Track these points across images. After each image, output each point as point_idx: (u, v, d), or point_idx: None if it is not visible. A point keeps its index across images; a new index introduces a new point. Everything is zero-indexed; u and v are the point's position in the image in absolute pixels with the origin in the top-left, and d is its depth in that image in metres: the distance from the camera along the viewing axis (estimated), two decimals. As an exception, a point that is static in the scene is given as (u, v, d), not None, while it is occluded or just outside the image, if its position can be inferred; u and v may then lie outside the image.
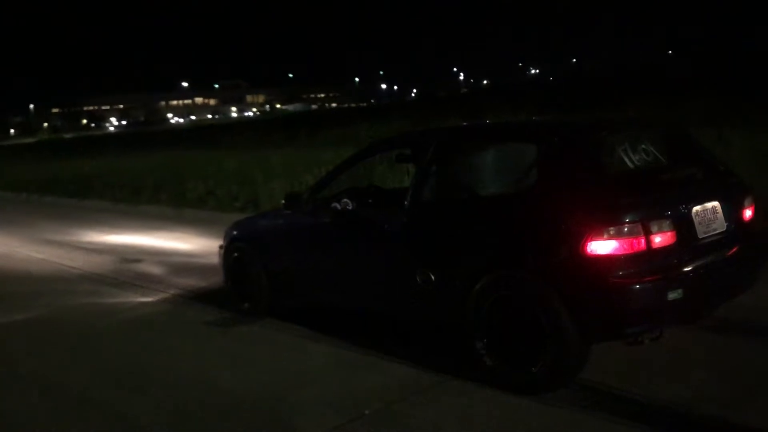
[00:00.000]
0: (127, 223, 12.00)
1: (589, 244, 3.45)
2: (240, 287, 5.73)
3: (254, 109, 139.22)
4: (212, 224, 9.63)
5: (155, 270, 7.81)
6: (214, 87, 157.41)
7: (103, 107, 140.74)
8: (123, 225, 11.70)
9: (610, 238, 3.44)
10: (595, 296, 3.50)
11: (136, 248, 9.40)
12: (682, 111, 15.63)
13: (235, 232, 5.93)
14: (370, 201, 5.20)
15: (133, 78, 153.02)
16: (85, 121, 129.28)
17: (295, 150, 19.30)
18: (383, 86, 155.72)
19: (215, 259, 6.19)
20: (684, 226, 3.65)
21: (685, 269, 3.60)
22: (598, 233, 3.45)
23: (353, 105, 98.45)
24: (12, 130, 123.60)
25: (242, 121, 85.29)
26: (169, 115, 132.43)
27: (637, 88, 25.04)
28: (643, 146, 4.03)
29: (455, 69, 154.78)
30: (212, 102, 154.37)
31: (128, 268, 8.01)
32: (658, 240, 3.52)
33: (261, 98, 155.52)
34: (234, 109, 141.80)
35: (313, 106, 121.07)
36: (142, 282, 7.22)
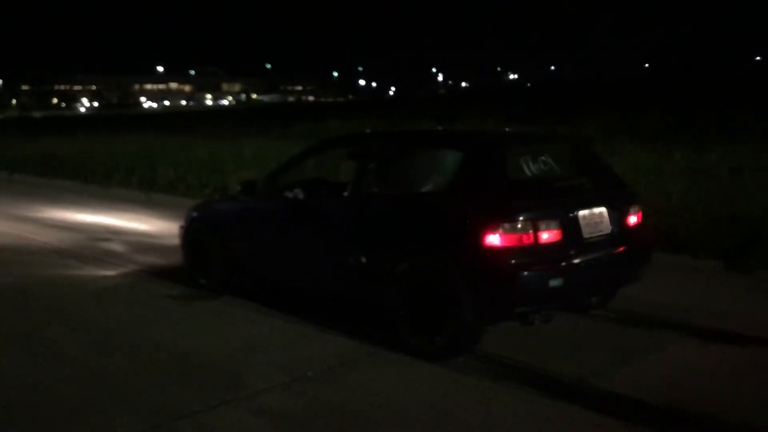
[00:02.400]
0: (96, 204, 12.33)
1: (486, 237, 4.14)
2: (197, 265, 6.25)
3: (229, 98, 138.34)
4: (180, 209, 9.92)
5: (120, 248, 8.26)
6: (190, 73, 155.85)
7: (75, 87, 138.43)
8: (92, 205, 12.07)
9: (504, 233, 4.12)
10: (490, 280, 4.20)
11: (104, 227, 9.85)
12: (625, 124, 16.71)
13: (194, 214, 6.47)
14: (316, 191, 5.80)
15: (106, 59, 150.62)
16: (55, 101, 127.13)
17: (268, 141, 19.68)
18: (362, 82, 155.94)
19: (177, 241, 6.64)
20: (570, 226, 4.37)
21: (568, 262, 4.32)
22: (495, 228, 4.12)
23: (330, 99, 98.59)
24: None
25: (217, 109, 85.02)
26: (143, 99, 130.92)
27: (603, 99, 25.92)
28: (543, 158, 4.83)
29: (434, 69, 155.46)
30: (187, 88, 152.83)
31: (95, 245, 8.42)
32: (545, 237, 4.23)
33: (237, 87, 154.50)
34: (209, 96, 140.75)
35: (290, 98, 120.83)
36: (108, 258, 7.67)
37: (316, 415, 3.61)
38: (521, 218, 4.15)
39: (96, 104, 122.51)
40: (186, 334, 4.94)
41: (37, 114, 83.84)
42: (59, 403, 3.80)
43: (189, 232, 6.39)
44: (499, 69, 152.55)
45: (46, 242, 8.61)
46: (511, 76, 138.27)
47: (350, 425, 3.50)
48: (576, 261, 4.36)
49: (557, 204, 4.44)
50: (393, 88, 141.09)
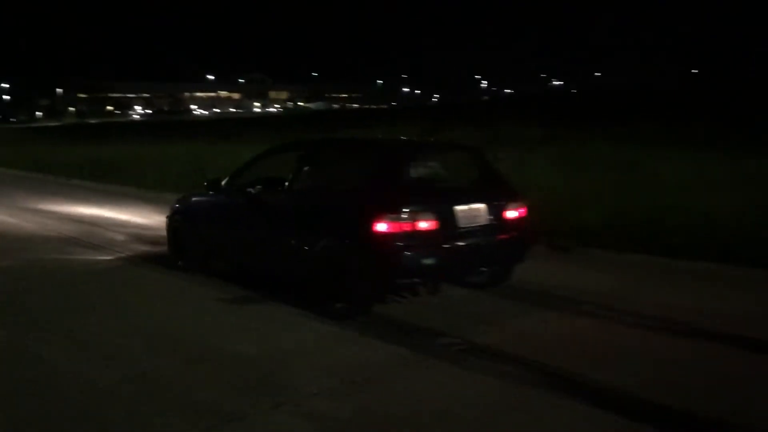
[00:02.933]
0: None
1: (376, 225, 5.22)
2: (176, 249, 7.51)
3: (277, 105, 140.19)
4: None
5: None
6: (239, 81, 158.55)
7: (129, 95, 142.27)
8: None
9: (389, 222, 5.21)
10: (377, 258, 5.27)
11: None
12: (671, 132, 16.51)
13: (176, 206, 7.70)
14: (266, 186, 6.78)
15: (160, 68, 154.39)
16: (110, 108, 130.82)
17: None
18: (406, 90, 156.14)
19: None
20: (446, 218, 5.45)
21: (441, 246, 5.40)
22: (382, 219, 5.21)
23: (374, 107, 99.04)
24: (38, 113, 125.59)
25: (264, 116, 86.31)
26: (193, 107, 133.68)
27: (650, 106, 25.57)
28: (431, 163, 6.07)
29: (478, 77, 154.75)
30: (236, 96, 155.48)
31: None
32: (422, 226, 5.30)
33: (284, 95, 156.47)
34: (257, 104, 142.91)
35: (335, 106, 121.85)
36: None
37: (365, 420, 3.67)
38: (403, 212, 5.24)
39: (149, 111, 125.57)
40: (235, 337, 5.07)
41: (92, 121, 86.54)
42: (115, 403, 3.92)
43: (170, 222, 7.68)
44: (543, 76, 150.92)
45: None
46: (556, 83, 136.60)
47: (400, 430, 3.57)
48: (449, 245, 5.45)
49: (435, 201, 5.53)
50: (436, 96, 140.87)
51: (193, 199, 7.64)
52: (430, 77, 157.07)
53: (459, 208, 5.59)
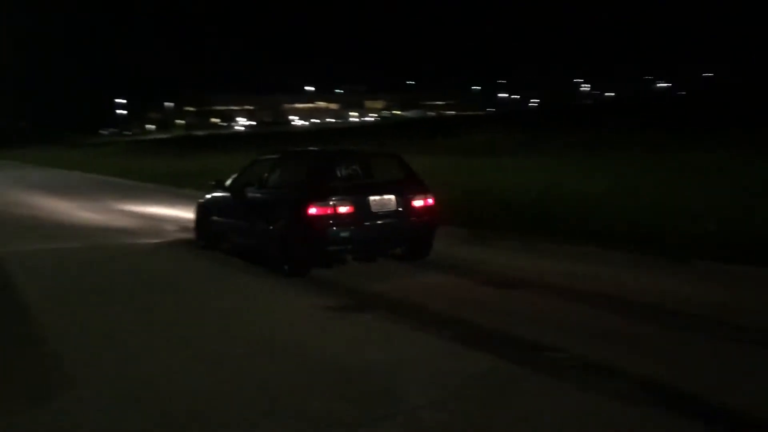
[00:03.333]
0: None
1: (309, 210, 7.30)
2: (199, 233, 9.95)
3: (373, 115, 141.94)
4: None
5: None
6: (337, 92, 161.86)
7: (233, 107, 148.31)
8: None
9: (317, 207, 7.28)
10: (310, 232, 7.32)
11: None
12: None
13: (200, 201, 10.01)
14: (247, 186, 8.77)
15: (262, 81, 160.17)
16: (215, 120, 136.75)
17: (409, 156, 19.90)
18: (503, 95, 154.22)
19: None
20: (360, 205, 7.46)
21: (355, 225, 7.40)
22: (313, 205, 7.29)
23: (470, 113, 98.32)
24: (150, 126, 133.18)
25: (361, 125, 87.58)
26: (293, 118, 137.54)
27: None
28: (354, 166, 8.20)
29: (579, 80, 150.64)
30: (333, 106, 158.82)
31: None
32: (342, 210, 7.35)
33: (380, 104, 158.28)
34: (354, 113, 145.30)
35: (431, 113, 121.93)
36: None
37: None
38: (326, 200, 7.36)
39: (251, 123, 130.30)
40: (342, 346, 5.08)
41: (199, 132, 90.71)
42: (228, 407, 3.99)
43: (196, 213, 10.04)
44: (649, 78, 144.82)
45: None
46: (662, 85, 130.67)
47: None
48: (363, 224, 7.49)
49: (351, 193, 7.56)
50: (535, 100, 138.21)
51: (211, 195, 9.76)
52: (528, 82, 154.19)
53: (372, 198, 7.64)
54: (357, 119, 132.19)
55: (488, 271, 7.58)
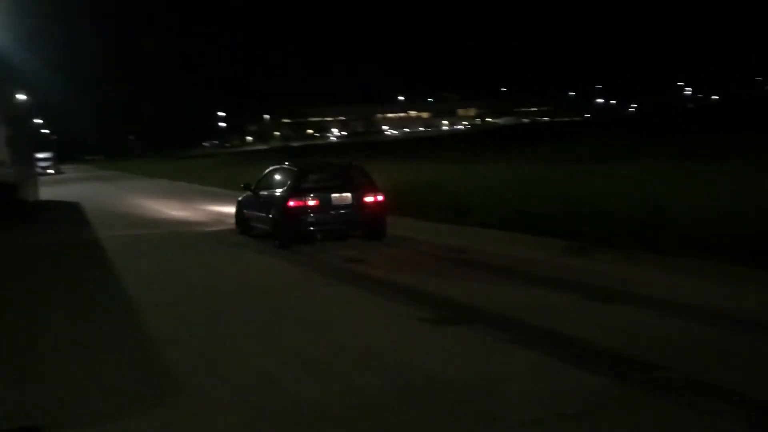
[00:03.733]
0: None
1: (289, 203, 10.65)
2: (237, 224, 13.31)
3: (465, 123, 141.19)
4: (420, 230, 10.37)
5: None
6: (428, 101, 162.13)
7: (327, 118, 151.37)
8: None
9: (294, 202, 10.62)
10: (291, 218, 10.62)
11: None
12: None
13: (239, 199, 13.36)
14: (261, 189, 12.30)
15: (355, 91, 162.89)
16: (310, 131, 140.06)
17: (506, 165, 19.61)
18: (600, 100, 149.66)
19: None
20: (324, 201, 10.67)
21: (321, 213, 10.64)
22: (291, 201, 10.66)
23: (566, 119, 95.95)
24: (249, 138, 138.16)
25: (452, 133, 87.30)
26: (385, 127, 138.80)
27: None
28: (324, 174, 11.73)
29: (681, 83, 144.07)
30: (425, 115, 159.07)
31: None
32: (311, 203, 10.62)
33: (472, 111, 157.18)
34: (445, 122, 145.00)
35: (524, 120, 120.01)
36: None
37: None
38: (302, 198, 10.60)
39: (344, 133, 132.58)
40: (437, 359, 5.01)
41: (295, 143, 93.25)
42: (327, 415, 4.02)
43: (236, 209, 13.47)
44: (759, 79, 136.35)
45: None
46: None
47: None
48: (326, 214, 10.65)
49: (318, 192, 10.73)
50: (634, 105, 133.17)
51: (243, 196, 13.18)
52: (627, 86, 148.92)
53: (333, 195, 10.87)
54: (448, 127, 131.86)
55: (589, 284, 7.25)
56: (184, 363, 5.17)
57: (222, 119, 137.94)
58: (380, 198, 11.05)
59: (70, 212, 20.38)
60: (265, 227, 11.69)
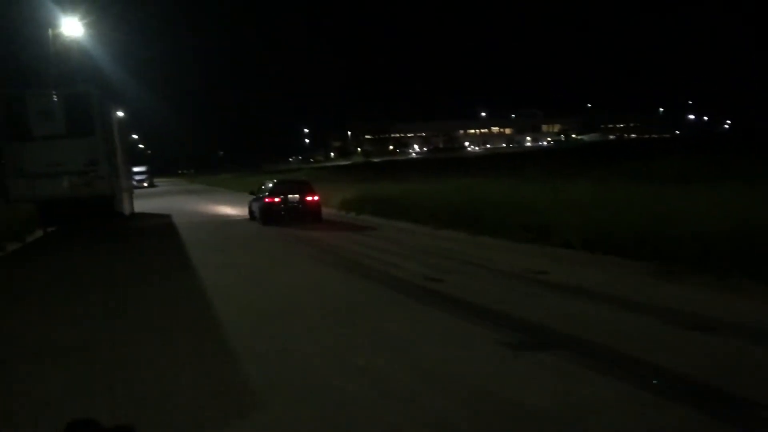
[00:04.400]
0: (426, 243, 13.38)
1: (266, 201, 19.41)
2: (249, 214, 21.73)
3: (548, 139, 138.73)
4: (514, 253, 10.20)
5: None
6: (511, 117, 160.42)
7: (408, 134, 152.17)
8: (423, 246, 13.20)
9: (269, 200, 19.36)
10: (265, 210, 19.38)
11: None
12: None
13: (250, 200, 21.86)
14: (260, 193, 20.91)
15: (435, 107, 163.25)
16: (391, 147, 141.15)
17: (590, 182, 19.08)
18: (691, 116, 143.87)
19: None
20: (284, 199, 19.27)
21: (281, 207, 19.19)
22: (267, 199, 19.40)
23: (654, 136, 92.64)
24: (332, 153, 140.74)
25: (535, 150, 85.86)
26: (466, 143, 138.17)
27: None
28: (287, 185, 20.59)
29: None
30: (507, 131, 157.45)
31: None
32: (276, 200, 19.28)
33: (557, 128, 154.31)
34: (528, 138, 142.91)
35: (611, 137, 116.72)
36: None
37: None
38: (272, 197, 19.34)
39: (425, 149, 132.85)
40: (518, 386, 4.87)
41: (376, 159, 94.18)
42: None
43: (248, 206, 22.00)
44: None
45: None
46: None
47: None
48: (284, 208, 19.13)
49: (280, 194, 19.34)
50: (728, 122, 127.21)
51: (251, 198, 21.42)
52: (721, 101, 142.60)
53: (290, 196, 19.14)
54: (531, 143, 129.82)
55: (678, 310, 6.90)
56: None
57: (306, 135, 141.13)
58: (316, 198, 19.35)
59: (164, 234, 21.44)
60: (257, 214, 20.07)
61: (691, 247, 9.17)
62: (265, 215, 19.02)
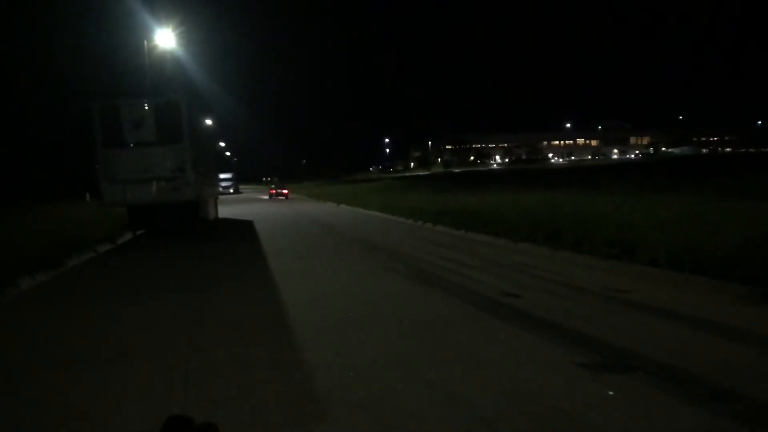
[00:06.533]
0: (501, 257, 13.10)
1: (271, 191, 65.46)
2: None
3: (636, 152, 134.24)
4: (590, 269, 9.82)
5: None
6: (597, 128, 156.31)
7: (490, 145, 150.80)
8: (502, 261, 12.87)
9: (270, 191, 66.22)
10: (270, 195, 65.36)
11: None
12: None
13: None
14: None
15: (518, 118, 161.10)
16: (472, 158, 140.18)
17: (680, 198, 18.27)
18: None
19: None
20: (275, 191, 64.34)
21: (275, 195, 64.38)
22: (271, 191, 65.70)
23: (751, 150, 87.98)
24: (412, 164, 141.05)
25: (623, 162, 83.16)
26: (550, 155, 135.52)
27: None
28: (279, 183, 76.79)
29: None
30: (593, 143, 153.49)
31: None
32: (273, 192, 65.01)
33: (645, 140, 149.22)
34: (615, 150, 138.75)
35: (704, 150, 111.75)
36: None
37: None
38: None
39: (506, 160, 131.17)
40: (592, 409, 4.64)
41: (455, 170, 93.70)
42: None
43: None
44: None
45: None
46: None
47: None
48: (277, 194, 63.16)
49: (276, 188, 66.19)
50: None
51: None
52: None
53: (279, 189, 63.95)
54: (618, 156, 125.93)
55: (775, 338, 6.43)
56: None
57: (387, 145, 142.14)
58: (286, 191, 60.66)
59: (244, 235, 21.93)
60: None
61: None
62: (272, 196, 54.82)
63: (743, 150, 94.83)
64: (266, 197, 64.67)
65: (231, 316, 8.31)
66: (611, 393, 4.99)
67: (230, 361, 6.19)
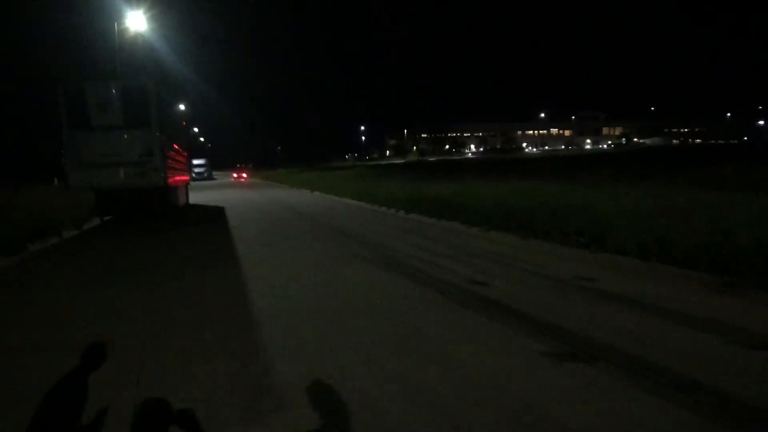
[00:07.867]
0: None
1: (233, 174, 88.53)
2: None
3: (609, 142, 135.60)
4: (562, 260, 9.79)
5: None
6: (571, 119, 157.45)
7: (465, 134, 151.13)
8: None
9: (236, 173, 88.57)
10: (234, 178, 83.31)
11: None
12: None
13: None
14: None
15: (492, 108, 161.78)
16: (447, 147, 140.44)
17: (650, 188, 18.39)
18: (761, 122, 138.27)
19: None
20: (237, 174, 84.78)
21: (238, 179, 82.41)
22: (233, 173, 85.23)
23: (720, 142, 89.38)
24: (388, 152, 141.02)
25: (595, 153, 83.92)
26: (524, 145, 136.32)
27: None
28: (241, 166, 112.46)
29: None
30: (567, 133, 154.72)
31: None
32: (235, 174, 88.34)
33: (618, 131, 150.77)
34: (588, 141, 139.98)
35: (675, 141, 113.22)
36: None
37: None
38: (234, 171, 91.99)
39: (481, 149, 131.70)
40: (555, 400, 4.58)
41: (431, 158, 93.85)
42: None
43: None
44: None
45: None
46: None
47: None
48: (238, 178, 79.03)
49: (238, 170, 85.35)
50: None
51: None
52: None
53: (239, 172, 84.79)
54: (591, 146, 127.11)
55: (737, 327, 6.42)
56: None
57: (362, 133, 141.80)
58: (245, 175, 77.67)
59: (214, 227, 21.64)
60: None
61: (756, 259, 8.61)
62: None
63: (713, 141, 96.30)
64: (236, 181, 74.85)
65: (194, 303, 8.13)
66: (572, 382, 4.93)
67: (188, 350, 6.03)
